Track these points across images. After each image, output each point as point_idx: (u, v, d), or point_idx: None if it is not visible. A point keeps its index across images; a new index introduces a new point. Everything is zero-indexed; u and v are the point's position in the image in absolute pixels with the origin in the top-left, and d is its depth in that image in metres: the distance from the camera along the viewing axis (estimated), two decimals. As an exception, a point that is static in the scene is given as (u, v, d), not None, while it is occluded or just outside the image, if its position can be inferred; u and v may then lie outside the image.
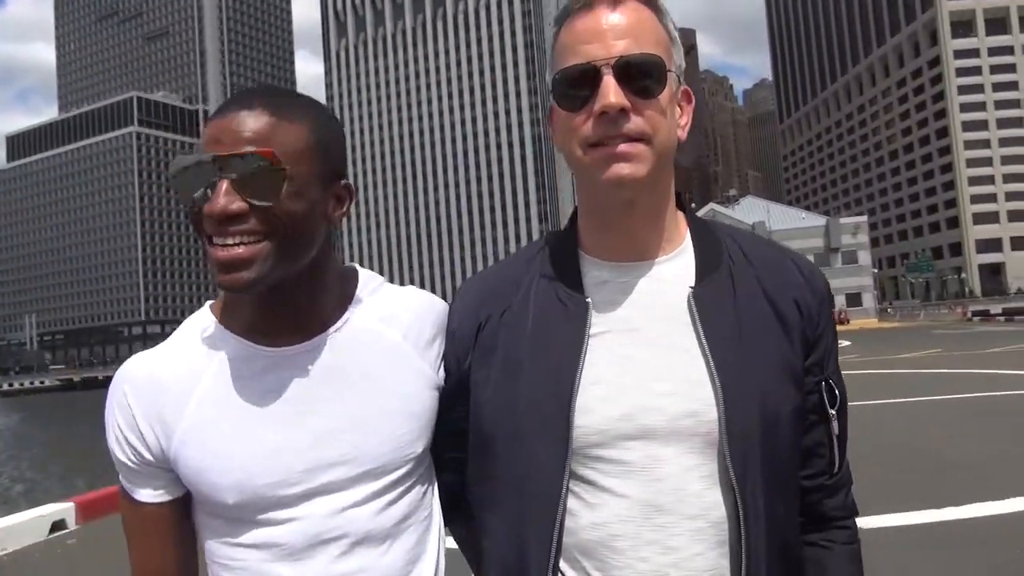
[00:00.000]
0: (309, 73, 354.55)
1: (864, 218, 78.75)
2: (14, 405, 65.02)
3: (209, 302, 1.19)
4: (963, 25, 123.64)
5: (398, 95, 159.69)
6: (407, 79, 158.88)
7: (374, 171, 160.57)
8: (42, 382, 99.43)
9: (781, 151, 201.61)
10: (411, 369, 1.19)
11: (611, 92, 1.02)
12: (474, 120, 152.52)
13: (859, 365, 20.11)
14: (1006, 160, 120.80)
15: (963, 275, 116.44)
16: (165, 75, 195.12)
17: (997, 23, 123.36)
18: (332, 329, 1.15)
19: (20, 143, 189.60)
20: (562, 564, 1.09)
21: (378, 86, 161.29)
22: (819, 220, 77.18)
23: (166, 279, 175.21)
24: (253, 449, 1.09)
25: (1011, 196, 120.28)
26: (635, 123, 1.04)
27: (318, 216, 1.08)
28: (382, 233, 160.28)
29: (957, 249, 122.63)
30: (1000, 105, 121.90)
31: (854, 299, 68.60)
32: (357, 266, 1.26)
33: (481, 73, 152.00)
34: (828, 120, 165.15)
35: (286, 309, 1.12)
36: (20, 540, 7.01)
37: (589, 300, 1.12)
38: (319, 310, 1.15)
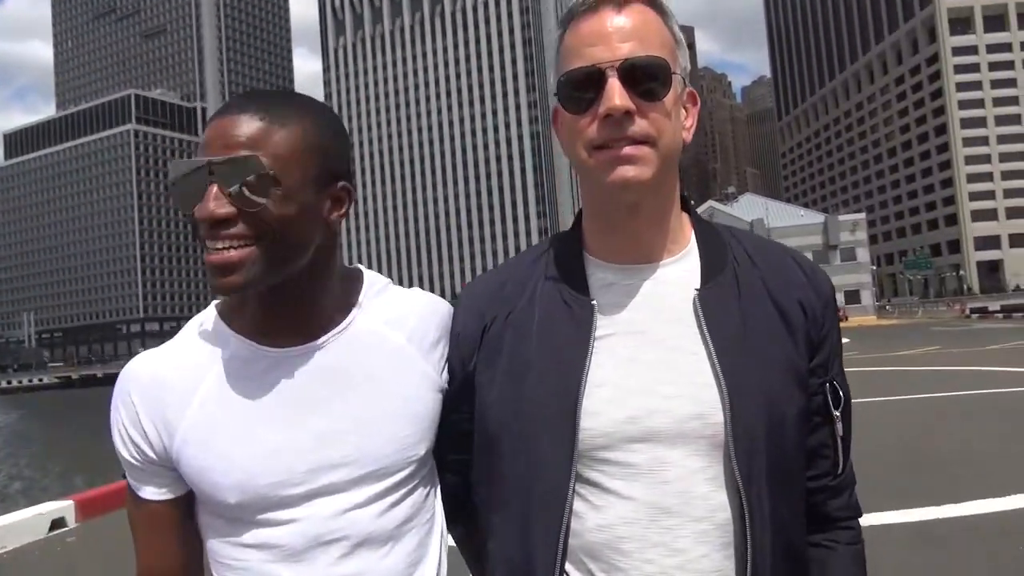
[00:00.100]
0: (307, 71, 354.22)
1: (863, 215, 78.66)
2: (12, 403, 64.96)
3: (215, 301, 1.18)
4: (961, 22, 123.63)
5: (396, 92, 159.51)
6: (405, 76, 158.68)
7: (372, 169, 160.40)
8: (40, 380, 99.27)
9: (779, 148, 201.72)
10: (415, 371, 1.19)
11: (616, 95, 1.02)
12: (472, 117, 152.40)
13: (858, 362, 20.10)
14: (1004, 157, 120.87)
15: (961, 272, 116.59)
16: (163, 73, 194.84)
17: (995, 20, 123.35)
18: (335, 330, 1.15)
19: (18, 141, 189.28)
20: (568, 566, 1.09)
21: (376, 83, 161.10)
22: (818, 217, 77.12)
23: (164, 276, 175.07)
24: (254, 449, 1.09)
25: (1009, 193, 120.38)
26: (640, 126, 1.04)
27: (313, 219, 1.08)
28: (380, 232, 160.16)
29: (955, 246, 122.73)
30: (998, 102, 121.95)
31: (853, 296, 68.58)
32: (362, 267, 1.26)
33: (479, 70, 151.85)
34: (827, 117, 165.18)
35: (289, 310, 1.13)
36: (20, 538, 7.00)
37: (595, 302, 1.12)
38: (323, 311, 1.15)
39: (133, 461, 1.13)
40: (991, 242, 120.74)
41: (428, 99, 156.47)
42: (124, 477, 1.09)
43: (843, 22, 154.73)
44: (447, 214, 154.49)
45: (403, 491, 1.16)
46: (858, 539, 1.20)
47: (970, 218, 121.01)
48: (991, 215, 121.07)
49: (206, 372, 1.12)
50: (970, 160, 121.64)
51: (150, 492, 1.14)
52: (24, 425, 42.72)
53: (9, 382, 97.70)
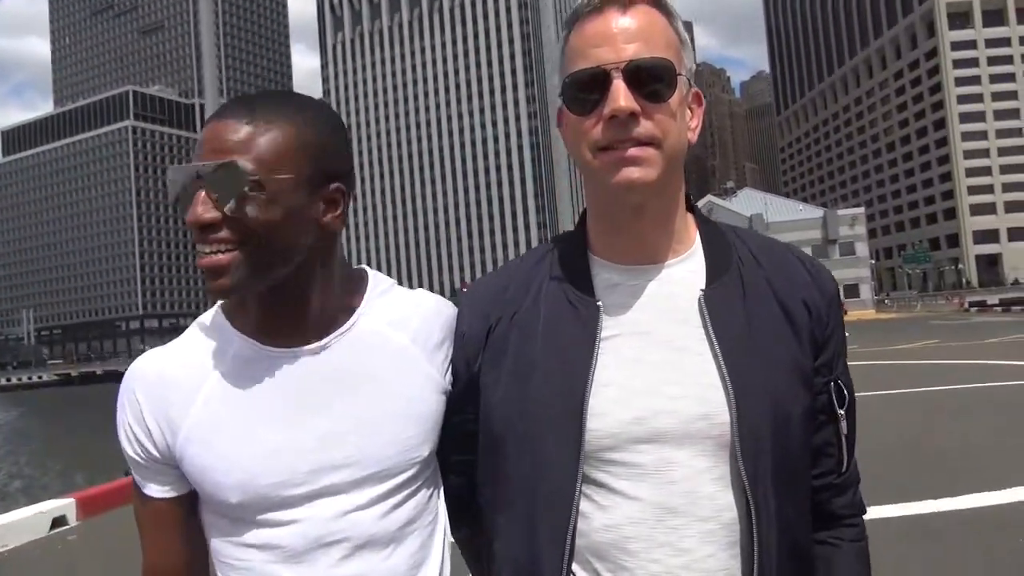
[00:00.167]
0: (306, 68, 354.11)
1: (861, 210, 78.73)
2: (12, 400, 65.01)
3: (220, 300, 1.18)
4: (960, 17, 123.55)
5: (394, 88, 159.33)
6: (403, 73, 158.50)
7: (369, 164, 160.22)
8: (40, 377, 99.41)
9: (778, 143, 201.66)
10: (418, 373, 1.18)
11: (621, 96, 1.02)
12: (471, 113, 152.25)
13: (856, 356, 20.12)
14: (1003, 151, 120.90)
15: (960, 266, 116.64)
16: (160, 69, 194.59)
17: (994, 15, 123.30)
18: (338, 331, 1.15)
19: (15, 137, 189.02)
20: (574, 566, 1.09)
21: (374, 79, 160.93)
22: (816, 212, 77.12)
23: (163, 273, 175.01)
24: (256, 449, 1.09)
25: (1008, 188, 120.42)
26: (645, 127, 1.04)
27: (302, 222, 1.07)
28: (378, 228, 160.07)
29: (954, 240, 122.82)
30: (997, 97, 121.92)
31: (851, 290, 68.61)
32: (367, 268, 1.26)
33: (478, 66, 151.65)
34: (825, 112, 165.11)
35: (289, 310, 1.13)
36: (20, 536, 7.02)
37: (600, 303, 1.12)
38: (326, 312, 1.15)
39: (138, 459, 1.13)
40: (990, 236, 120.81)
41: (426, 95, 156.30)
42: (125, 474, 1.08)
43: (842, 17, 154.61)
44: (445, 210, 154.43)
45: (405, 493, 1.16)
46: (862, 536, 1.20)
47: (969, 212, 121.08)
48: (990, 209, 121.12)
49: (210, 371, 1.12)
50: (969, 155, 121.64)
51: (154, 489, 1.14)
52: (24, 423, 42.75)
53: (8, 379, 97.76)
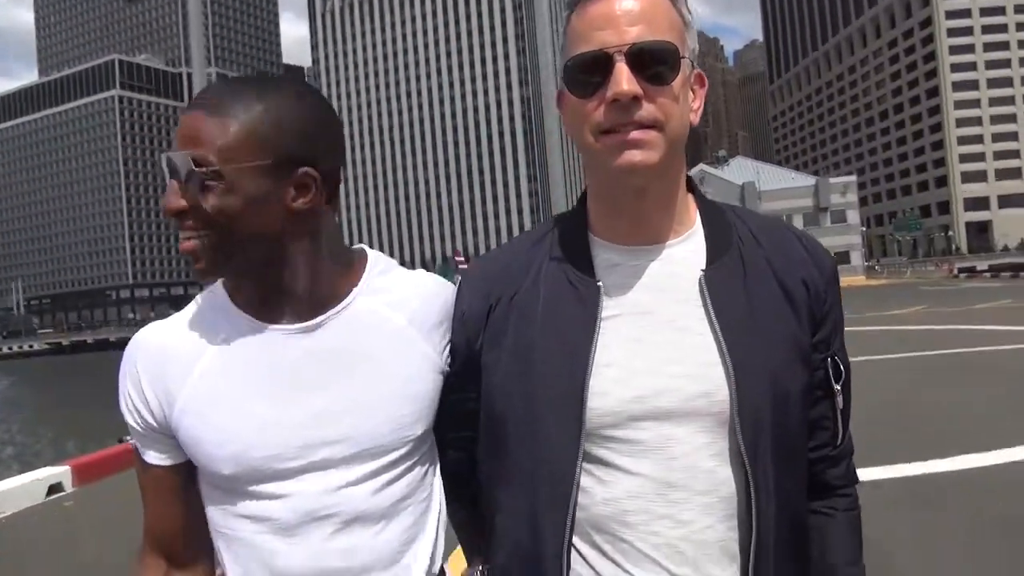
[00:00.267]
0: (294, 36, 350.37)
1: (853, 178, 78.71)
2: (3, 369, 64.87)
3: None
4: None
5: (384, 57, 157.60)
6: (393, 41, 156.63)
7: (359, 134, 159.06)
8: (31, 346, 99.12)
9: (771, 112, 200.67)
10: (415, 352, 1.19)
11: (624, 80, 1.02)
12: (462, 81, 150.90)
13: (847, 322, 20.12)
14: (995, 120, 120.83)
15: (950, 233, 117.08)
16: (147, 38, 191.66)
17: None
18: (334, 310, 1.16)
19: (0, 107, 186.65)
20: (574, 539, 1.10)
21: (364, 48, 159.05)
22: (808, 180, 77.03)
23: (152, 243, 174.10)
24: (250, 423, 1.11)
25: (999, 155, 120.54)
26: (647, 110, 1.04)
27: (265, 209, 1.08)
28: (369, 198, 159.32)
29: (945, 207, 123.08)
30: (991, 65, 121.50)
31: (842, 257, 68.70)
32: (367, 248, 1.26)
33: (469, 34, 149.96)
34: (819, 81, 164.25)
35: (278, 289, 1.14)
36: (18, 503, 7.07)
37: (600, 284, 1.12)
38: (318, 291, 1.15)
39: (137, 427, 1.16)
40: (980, 203, 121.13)
41: (417, 63, 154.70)
42: (119, 442, 1.19)
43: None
44: (437, 179, 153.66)
45: (399, 470, 1.17)
46: (855, 505, 1.23)
47: (960, 180, 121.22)
48: (981, 177, 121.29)
49: (208, 345, 1.14)
50: (961, 123, 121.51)
51: (153, 457, 1.17)
52: (15, 392, 42.72)
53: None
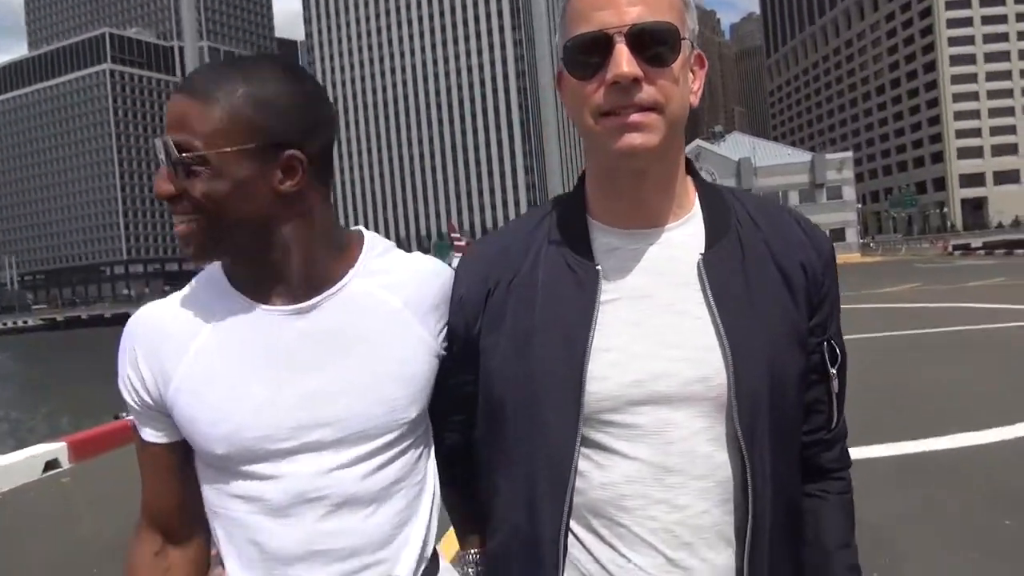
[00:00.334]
0: (287, 9, 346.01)
1: (849, 153, 78.43)
2: (-2, 346, 64.77)
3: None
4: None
5: (379, 31, 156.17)
6: (388, 14, 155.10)
7: (355, 108, 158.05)
8: (25, 322, 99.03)
9: (767, 86, 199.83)
10: (410, 335, 1.19)
11: (624, 61, 1.01)
12: (457, 56, 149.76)
13: (841, 300, 20.25)
14: (992, 95, 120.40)
15: (945, 209, 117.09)
16: (137, 11, 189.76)
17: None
18: (328, 292, 1.16)
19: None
20: (572, 523, 1.11)
21: (358, 21, 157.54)
22: (804, 156, 76.76)
23: (147, 218, 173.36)
24: (244, 403, 1.11)
25: (996, 131, 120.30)
26: (648, 93, 1.03)
27: (252, 193, 1.08)
28: (365, 173, 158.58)
29: (940, 184, 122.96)
30: (988, 39, 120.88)
31: (838, 234, 68.70)
32: (364, 230, 1.26)
33: (464, 7, 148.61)
34: (815, 55, 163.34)
35: (271, 271, 1.15)
36: (14, 480, 7.08)
37: (599, 267, 1.12)
38: (312, 273, 1.15)
39: (134, 405, 1.18)
40: (976, 180, 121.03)
41: (411, 37, 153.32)
42: (116, 418, 1.18)
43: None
44: (432, 154, 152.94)
45: (391, 453, 1.17)
46: (848, 489, 1.24)
47: (956, 155, 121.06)
48: (977, 152, 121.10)
49: (204, 324, 1.15)
50: (958, 97, 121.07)
51: (150, 434, 1.18)
52: (9, 367, 42.69)
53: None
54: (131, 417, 1.22)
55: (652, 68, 1.03)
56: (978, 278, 25.37)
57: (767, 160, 73.73)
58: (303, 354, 1.13)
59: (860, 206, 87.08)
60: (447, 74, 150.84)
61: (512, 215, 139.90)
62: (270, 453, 1.11)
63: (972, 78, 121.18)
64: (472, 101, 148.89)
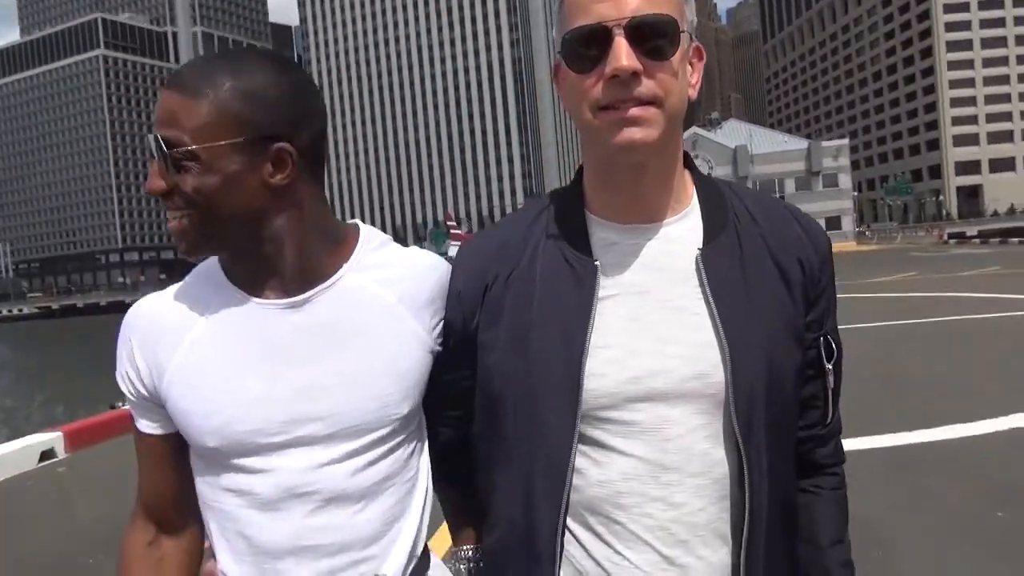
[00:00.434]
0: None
1: (845, 141, 78.23)
2: (-7, 334, 64.62)
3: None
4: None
5: (373, 15, 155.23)
6: (383, 0, 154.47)
7: (350, 96, 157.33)
8: (20, 310, 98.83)
9: (764, 73, 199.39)
10: (404, 330, 1.18)
11: (623, 55, 1.00)
12: (452, 42, 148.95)
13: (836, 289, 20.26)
14: (989, 81, 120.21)
15: (941, 197, 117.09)
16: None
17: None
18: (322, 286, 1.15)
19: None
20: (568, 520, 1.11)
21: (352, 6, 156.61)
22: (801, 143, 76.58)
23: (142, 206, 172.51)
24: (236, 396, 1.11)
25: (992, 118, 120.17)
26: (647, 86, 1.02)
27: (243, 187, 1.08)
28: (361, 161, 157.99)
29: (936, 171, 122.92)
30: (985, 24, 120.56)
31: (833, 223, 68.68)
32: (360, 224, 1.26)
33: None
34: (812, 40, 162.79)
35: (264, 265, 1.14)
36: (9, 469, 7.08)
37: (597, 263, 1.11)
38: (305, 266, 1.15)
39: (130, 396, 1.19)
40: (972, 167, 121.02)
41: (406, 22, 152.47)
42: (111, 408, 1.18)
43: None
44: (427, 142, 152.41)
45: (382, 449, 1.16)
46: (841, 484, 1.24)
47: (952, 143, 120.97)
48: (973, 140, 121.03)
49: (198, 317, 1.15)
50: (954, 84, 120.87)
51: (145, 425, 1.19)
52: (5, 355, 42.63)
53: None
54: (128, 407, 1.22)
55: (651, 61, 1.02)
56: (973, 267, 25.44)
57: (764, 147, 73.54)
58: (297, 348, 1.13)
59: (856, 194, 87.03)
60: (443, 60, 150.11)
61: (508, 204, 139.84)
62: (261, 447, 1.11)
63: (969, 64, 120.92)
64: (468, 88, 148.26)
